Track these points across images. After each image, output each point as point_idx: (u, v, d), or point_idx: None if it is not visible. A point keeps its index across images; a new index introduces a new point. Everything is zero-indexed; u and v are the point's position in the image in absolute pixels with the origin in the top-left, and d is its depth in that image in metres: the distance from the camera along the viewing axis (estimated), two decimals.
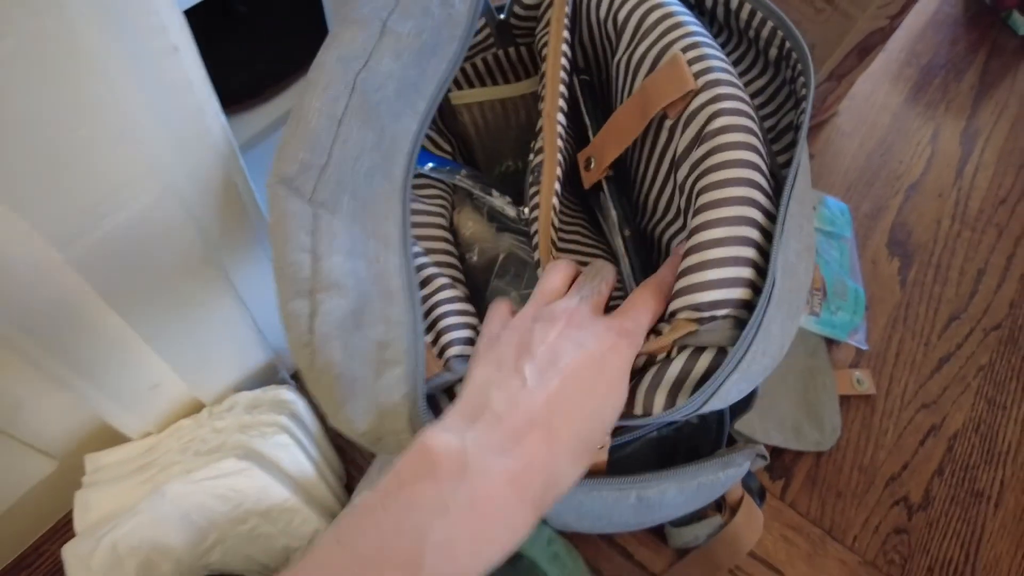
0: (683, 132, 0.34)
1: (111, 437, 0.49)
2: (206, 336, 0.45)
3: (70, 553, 0.44)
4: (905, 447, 0.62)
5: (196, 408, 0.50)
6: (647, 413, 0.30)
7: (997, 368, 0.67)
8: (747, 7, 0.39)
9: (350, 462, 0.56)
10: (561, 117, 0.40)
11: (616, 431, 0.36)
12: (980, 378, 0.66)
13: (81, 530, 0.45)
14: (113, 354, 0.40)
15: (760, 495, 0.53)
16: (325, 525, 0.48)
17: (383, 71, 0.36)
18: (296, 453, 0.47)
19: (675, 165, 0.35)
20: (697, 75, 0.34)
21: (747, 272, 0.30)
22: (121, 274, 0.35)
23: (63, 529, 0.53)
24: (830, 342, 0.65)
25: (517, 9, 0.47)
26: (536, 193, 0.40)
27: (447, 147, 0.50)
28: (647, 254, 0.41)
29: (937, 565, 0.56)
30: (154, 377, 0.44)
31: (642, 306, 0.32)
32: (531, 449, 0.26)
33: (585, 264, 0.41)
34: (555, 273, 0.34)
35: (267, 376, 0.54)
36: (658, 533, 0.55)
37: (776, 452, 0.60)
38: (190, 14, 0.32)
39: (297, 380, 0.60)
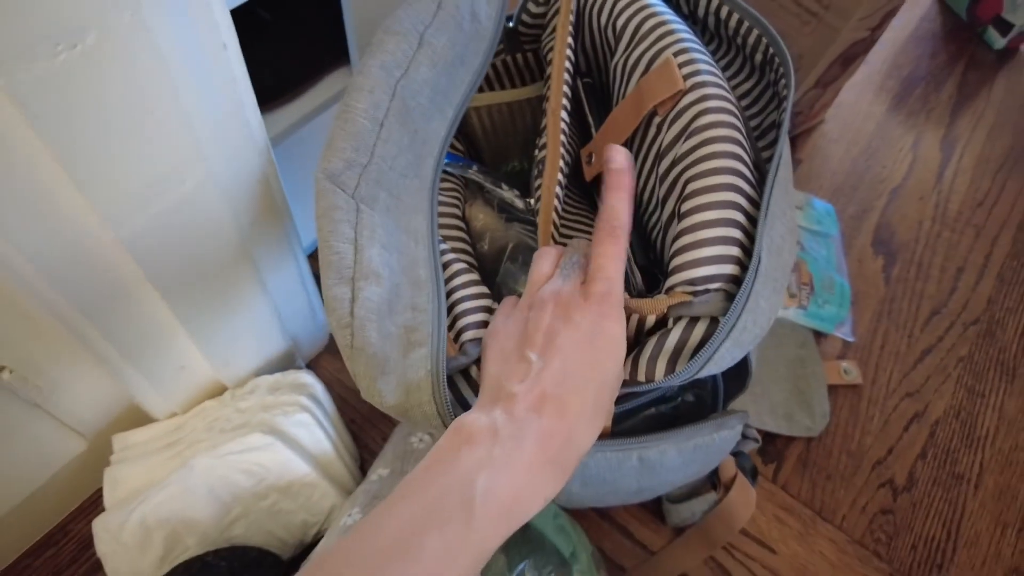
0: (670, 128, 0.38)
1: (138, 420, 0.52)
2: (233, 321, 0.47)
3: (100, 527, 0.46)
4: (890, 433, 0.65)
5: (219, 391, 0.53)
6: (650, 380, 0.33)
7: (976, 359, 0.70)
8: (735, 16, 0.43)
9: (363, 446, 0.59)
10: (564, 115, 0.43)
11: (620, 399, 0.39)
12: (960, 368, 0.69)
13: (111, 505, 0.48)
14: (149, 332, 0.43)
15: (753, 474, 0.56)
16: (342, 501, 0.50)
17: (420, 79, 0.40)
18: (316, 431, 0.50)
19: (659, 158, 0.39)
20: (686, 77, 0.37)
21: (735, 250, 0.34)
22: (165, 255, 0.38)
23: (89, 509, 0.55)
24: (819, 334, 0.69)
25: (525, 17, 0.50)
26: (540, 186, 0.43)
27: (460, 146, 0.54)
28: (643, 242, 0.45)
29: (921, 543, 0.59)
30: (183, 359, 0.47)
31: (604, 260, 0.34)
32: (548, 419, 0.30)
33: None
34: (542, 260, 0.37)
35: (285, 363, 0.57)
36: (657, 512, 0.58)
37: (769, 437, 0.63)
38: None
39: (311, 367, 0.63)
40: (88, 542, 0.53)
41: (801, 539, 0.59)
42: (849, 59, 0.72)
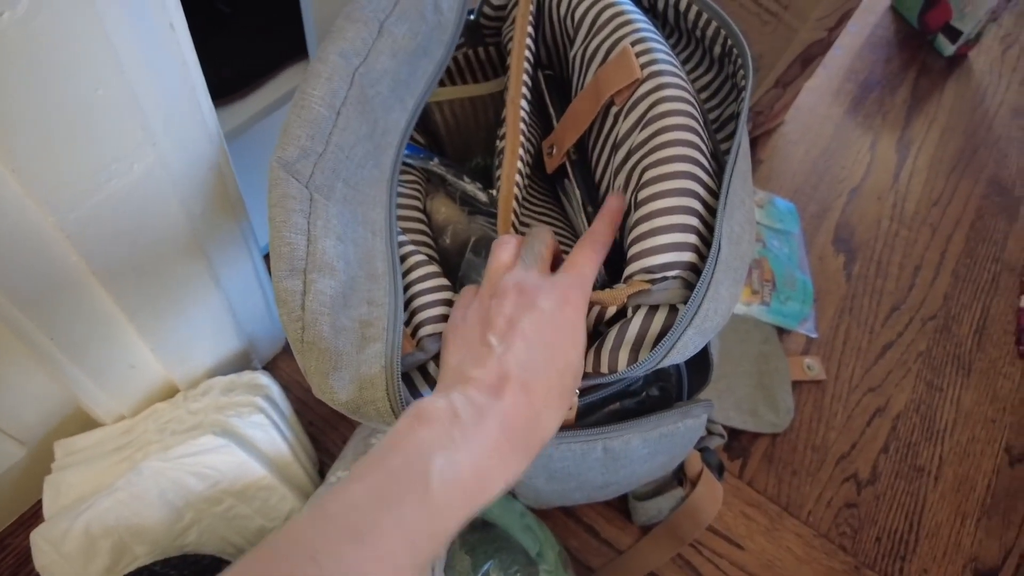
0: (626, 117, 0.38)
1: (84, 424, 0.50)
2: (185, 317, 0.46)
3: (40, 538, 0.44)
4: (854, 427, 0.65)
5: (171, 392, 0.51)
6: (612, 370, 0.33)
7: (934, 354, 0.71)
8: (694, 8, 0.43)
9: (323, 450, 0.57)
10: (524, 103, 0.43)
11: (584, 391, 0.39)
12: (919, 363, 0.71)
13: (51, 514, 0.45)
14: (95, 329, 0.41)
15: (719, 470, 0.55)
16: (300, 505, 0.48)
17: (380, 68, 0.39)
18: (272, 433, 0.48)
19: (616, 147, 0.39)
20: (643, 66, 0.37)
21: (692, 238, 0.33)
22: (110, 246, 0.36)
23: (29, 521, 0.52)
24: (782, 331, 0.69)
25: (487, 10, 0.50)
26: (500, 176, 0.43)
27: (422, 141, 0.53)
28: None
29: (884, 535, 0.60)
30: (132, 357, 0.45)
31: (582, 259, 0.34)
32: (510, 400, 0.29)
33: None
34: (502, 249, 0.36)
35: (240, 364, 0.55)
36: (624, 511, 0.57)
37: (734, 433, 0.63)
38: None
39: (268, 369, 0.61)
40: (28, 556, 0.50)
41: (768, 534, 0.59)
42: (808, 59, 0.74)
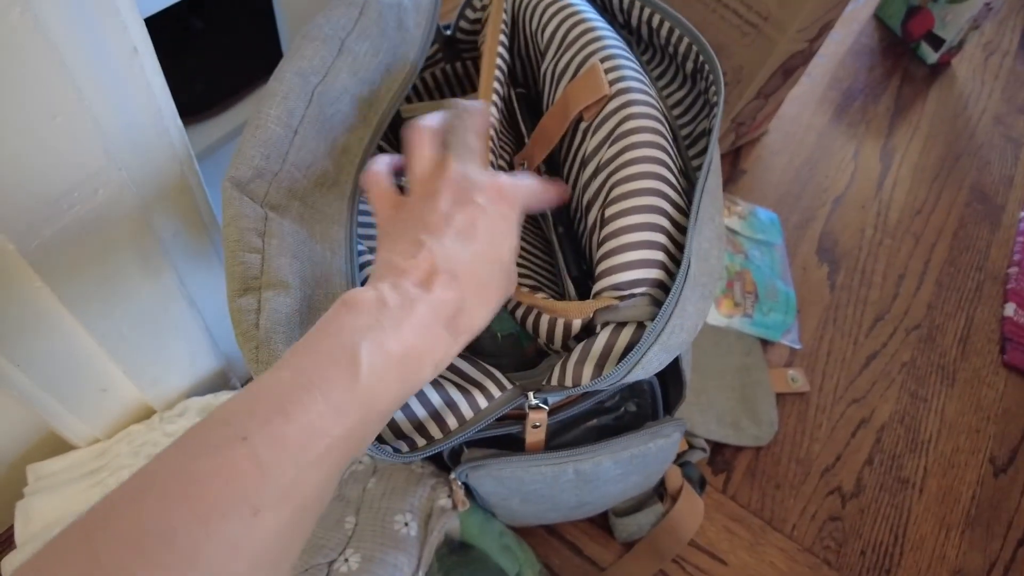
0: (595, 133, 0.37)
1: (56, 448, 0.49)
2: (158, 339, 0.45)
3: (11, 566, 0.43)
4: (838, 440, 0.65)
5: (147, 414, 0.50)
6: (576, 383, 0.33)
7: (918, 364, 0.71)
8: (666, 25, 0.43)
9: None
10: (495, 110, 0.42)
11: (556, 409, 0.38)
12: (904, 374, 0.71)
13: (23, 541, 0.45)
14: (63, 353, 0.40)
15: (700, 484, 0.55)
16: None
17: (339, 86, 0.39)
18: None
19: (584, 163, 0.38)
20: (612, 83, 0.37)
21: (659, 255, 0.33)
22: (76, 271, 0.36)
23: (1, 548, 0.51)
24: (766, 343, 0.69)
25: (463, 24, 0.50)
26: None
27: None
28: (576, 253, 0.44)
29: (869, 548, 0.60)
30: (104, 380, 0.45)
31: (525, 177, 0.34)
32: (439, 292, 0.29)
33: (525, 262, 0.44)
34: (421, 146, 0.34)
35: (218, 383, 0.55)
36: (606, 527, 0.57)
37: (717, 447, 0.62)
38: (149, 26, 0.34)
39: None
40: None
41: (751, 549, 0.58)
42: (789, 70, 0.74)
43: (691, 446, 0.58)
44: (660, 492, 0.54)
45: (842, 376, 0.69)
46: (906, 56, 1.03)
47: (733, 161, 0.85)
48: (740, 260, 0.70)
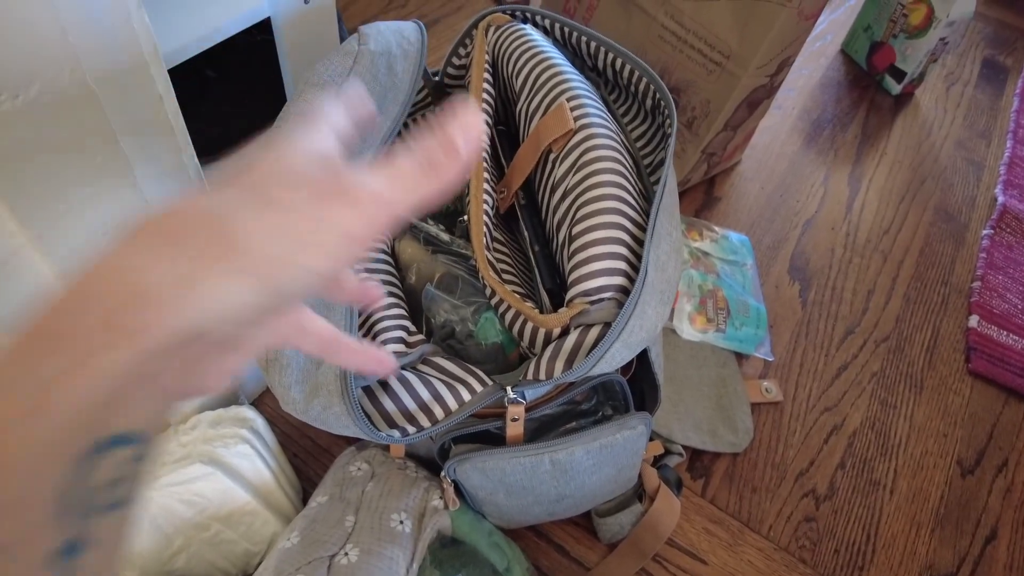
0: (562, 163, 0.43)
1: None
2: None
3: None
4: (811, 445, 0.69)
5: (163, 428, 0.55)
6: (549, 376, 0.37)
7: (887, 373, 0.75)
8: (627, 67, 0.49)
9: (306, 479, 0.61)
10: (486, 143, 0.48)
11: (531, 407, 0.43)
12: (874, 383, 0.75)
13: None
14: None
15: (677, 485, 0.59)
16: (283, 528, 0.52)
17: None
18: (256, 462, 0.52)
19: (553, 189, 0.44)
20: (576, 118, 0.43)
21: (622, 264, 0.38)
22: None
23: None
24: (740, 356, 0.73)
25: (449, 70, 0.56)
26: (469, 202, 0.48)
27: None
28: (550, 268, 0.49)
29: (843, 547, 0.63)
30: None
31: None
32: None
33: (514, 273, 0.48)
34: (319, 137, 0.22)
35: (228, 401, 0.59)
36: (591, 531, 0.60)
37: (697, 454, 0.66)
38: (170, 76, 0.39)
39: (255, 405, 0.65)
40: None
41: (730, 549, 0.62)
42: (753, 103, 0.80)
43: (668, 451, 0.62)
44: (640, 493, 0.58)
45: (815, 386, 0.73)
46: (872, 88, 1.10)
47: (707, 190, 0.91)
48: (712, 279, 0.75)
